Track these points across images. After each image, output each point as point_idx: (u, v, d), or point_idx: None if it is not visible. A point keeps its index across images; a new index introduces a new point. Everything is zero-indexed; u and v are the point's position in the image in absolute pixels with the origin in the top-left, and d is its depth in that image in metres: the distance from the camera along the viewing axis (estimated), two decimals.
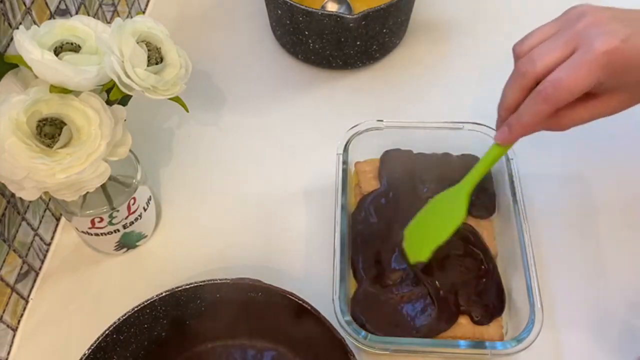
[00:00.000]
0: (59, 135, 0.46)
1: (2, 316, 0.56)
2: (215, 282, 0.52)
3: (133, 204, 0.58)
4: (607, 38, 0.44)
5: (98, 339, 0.49)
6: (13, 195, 0.55)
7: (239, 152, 0.71)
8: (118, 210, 0.57)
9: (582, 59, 0.45)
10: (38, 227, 0.61)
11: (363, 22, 0.70)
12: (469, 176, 0.55)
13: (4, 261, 0.56)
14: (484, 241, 0.59)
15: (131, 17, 0.52)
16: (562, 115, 0.49)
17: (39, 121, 0.46)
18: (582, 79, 0.45)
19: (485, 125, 0.63)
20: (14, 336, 0.58)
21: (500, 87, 0.78)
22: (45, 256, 0.63)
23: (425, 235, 0.56)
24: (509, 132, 0.51)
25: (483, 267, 0.57)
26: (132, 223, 0.60)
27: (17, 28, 0.48)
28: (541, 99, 0.47)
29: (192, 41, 0.79)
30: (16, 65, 0.49)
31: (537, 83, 0.48)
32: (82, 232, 0.59)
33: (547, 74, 0.47)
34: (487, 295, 0.56)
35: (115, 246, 0.62)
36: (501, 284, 0.57)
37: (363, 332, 0.52)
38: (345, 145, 0.63)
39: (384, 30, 0.73)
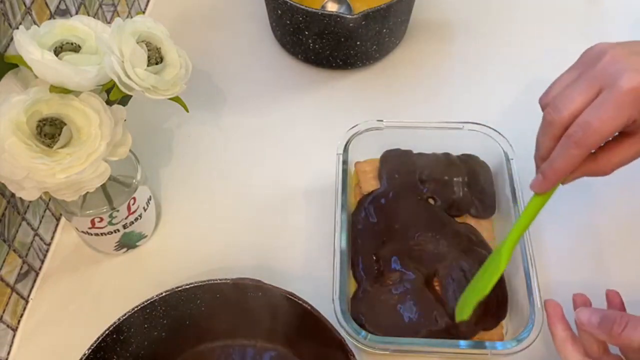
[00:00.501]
0: (59, 135, 0.46)
1: (2, 316, 0.56)
2: (215, 282, 0.52)
3: (133, 204, 0.58)
4: (631, 74, 0.44)
5: (98, 339, 0.49)
6: (13, 195, 0.55)
7: (239, 152, 0.71)
8: (118, 210, 0.57)
9: (608, 98, 0.44)
10: (38, 227, 0.61)
11: (363, 22, 0.70)
12: (511, 233, 0.52)
13: (4, 261, 0.56)
14: (485, 241, 0.59)
15: (131, 17, 0.52)
16: (600, 158, 0.48)
17: (39, 121, 0.46)
18: (612, 120, 0.44)
19: (485, 125, 0.63)
20: (14, 336, 0.58)
21: (500, 87, 0.78)
22: (45, 256, 0.63)
23: (470, 294, 0.54)
24: (543, 179, 0.50)
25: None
26: (132, 223, 0.60)
27: (17, 28, 0.48)
28: (572, 144, 0.46)
29: (192, 41, 0.79)
30: (16, 65, 0.49)
31: (566, 129, 0.47)
32: (82, 232, 0.59)
33: (573, 120, 0.46)
34: (490, 298, 0.56)
35: (115, 246, 0.62)
36: (505, 288, 0.57)
37: (363, 332, 0.52)
38: (345, 145, 0.63)
39: (384, 30, 0.73)
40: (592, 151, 0.47)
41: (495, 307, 0.55)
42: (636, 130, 0.47)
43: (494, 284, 0.51)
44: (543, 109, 0.50)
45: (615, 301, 0.52)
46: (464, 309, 0.52)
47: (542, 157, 0.50)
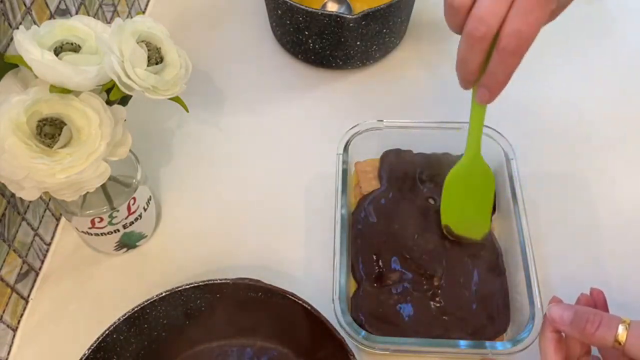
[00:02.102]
0: (59, 135, 0.46)
1: (2, 316, 0.56)
2: (215, 282, 0.52)
3: (133, 204, 0.58)
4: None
5: (98, 339, 0.49)
6: (13, 195, 0.55)
7: (239, 152, 0.71)
8: (118, 210, 0.57)
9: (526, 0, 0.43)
10: (38, 227, 0.61)
11: (363, 22, 0.70)
12: (471, 141, 0.55)
13: (4, 261, 0.56)
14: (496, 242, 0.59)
15: (131, 17, 0.52)
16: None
17: (39, 121, 0.46)
18: (539, 19, 0.44)
19: (485, 125, 0.63)
20: (14, 336, 0.58)
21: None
22: (45, 256, 0.63)
23: (472, 211, 0.57)
24: (489, 92, 0.50)
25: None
26: (132, 223, 0.60)
27: (17, 28, 0.48)
28: (509, 54, 0.45)
29: (192, 41, 0.79)
30: (16, 65, 0.49)
31: (493, 41, 0.46)
32: (82, 232, 0.59)
33: (498, 30, 0.45)
34: (492, 302, 0.56)
35: (115, 246, 0.62)
36: (507, 297, 0.57)
37: (363, 332, 0.52)
38: (345, 145, 0.63)
39: (384, 30, 0.73)
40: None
41: (497, 318, 0.55)
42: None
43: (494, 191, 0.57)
44: (458, 27, 0.47)
45: (599, 299, 0.50)
46: (481, 226, 0.57)
47: (471, 71, 0.48)
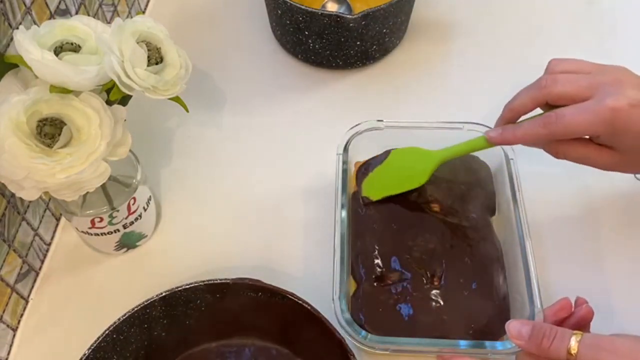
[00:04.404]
0: (59, 135, 0.46)
1: (2, 316, 0.56)
2: (215, 282, 0.52)
3: (133, 204, 0.58)
4: (618, 97, 0.48)
5: (98, 339, 0.49)
6: (13, 195, 0.55)
7: (239, 152, 0.71)
8: (118, 210, 0.57)
9: (590, 107, 0.49)
10: (38, 227, 0.61)
11: (363, 22, 0.70)
12: (446, 150, 0.58)
13: (4, 261, 0.56)
14: (485, 241, 0.59)
15: (131, 17, 0.52)
16: (560, 144, 0.53)
17: (39, 121, 0.46)
18: (582, 125, 0.49)
19: (485, 126, 0.63)
20: (14, 336, 0.58)
21: (499, 87, 0.78)
22: (45, 256, 0.63)
23: (384, 178, 0.60)
24: (500, 135, 0.55)
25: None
26: (132, 223, 0.60)
27: (17, 28, 0.48)
28: (542, 123, 0.51)
29: (192, 41, 0.79)
30: (16, 65, 0.49)
31: (547, 103, 0.52)
32: (82, 232, 0.59)
33: (558, 100, 0.51)
34: (492, 302, 0.56)
35: (115, 246, 0.62)
36: (507, 297, 0.57)
37: (363, 332, 0.52)
38: (345, 145, 0.63)
39: (384, 30, 0.73)
40: None
41: (497, 318, 0.55)
42: (599, 143, 0.52)
43: (409, 190, 0.59)
44: (547, 71, 0.55)
45: (585, 308, 0.51)
46: (375, 192, 0.60)
47: (511, 108, 0.55)
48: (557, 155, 0.54)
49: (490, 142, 0.55)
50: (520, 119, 0.55)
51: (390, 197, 0.61)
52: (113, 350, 0.51)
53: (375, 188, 0.61)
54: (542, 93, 0.52)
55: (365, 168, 0.62)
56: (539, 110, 0.55)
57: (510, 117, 0.55)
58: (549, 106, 0.53)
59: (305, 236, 0.64)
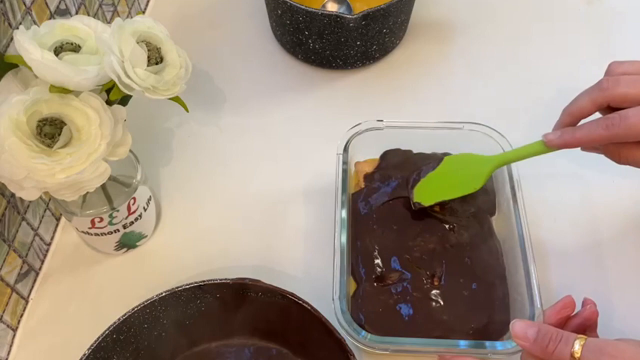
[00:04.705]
0: (59, 135, 0.46)
1: (2, 316, 0.56)
2: (215, 282, 0.52)
3: (133, 204, 0.58)
4: None
5: (98, 339, 0.49)
6: (13, 195, 0.55)
7: (239, 152, 0.71)
8: (118, 210, 0.57)
9: None
10: (38, 227, 0.61)
11: (363, 22, 0.70)
12: (503, 155, 0.58)
13: (4, 261, 0.56)
14: (486, 241, 0.59)
15: (131, 17, 0.52)
16: (623, 148, 0.51)
17: (39, 121, 0.46)
18: None
19: (485, 125, 0.63)
20: (14, 336, 0.58)
21: (499, 87, 0.78)
22: (45, 256, 0.63)
23: (437, 184, 0.59)
24: (559, 137, 0.52)
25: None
26: (132, 223, 0.60)
27: (17, 28, 0.48)
28: (604, 125, 0.49)
29: (192, 41, 0.79)
30: (16, 65, 0.49)
31: (608, 105, 0.50)
32: (82, 232, 0.59)
33: (621, 102, 0.49)
34: (492, 302, 0.56)
35: (115, 246, 0.62)
36: (507, 297, 0.57)
37: (363, 332, 0.52)
38: (345, 145, 0.63)
39: (384, 30, 0.73)
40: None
41: (497, 318, 0.55)
42: None
43: (464, 195, 0.58)
44: (607, 73, 0.52)
45: (590, 308, 0.50)
46: (427, 197, 0.59)
47: (569, 112, 0.52)
48: (619, 160, 0.51)
49: (548, 146, 0.53)
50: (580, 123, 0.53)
51: (390, 197, 0.62)
52: (113, 350, 0.51)
53: (428, 193, 0.59)
54: (604, 95, 0.50)
55: (417, 174, 0.60)
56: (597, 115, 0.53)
57: (569, 121, 0.53)
58: (609, 109, 0.51)
59: (305, 236, 0.64)
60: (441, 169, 0.60)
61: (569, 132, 0.51)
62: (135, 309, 0.51)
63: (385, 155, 0.65)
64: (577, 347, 0.44)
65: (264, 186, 0.68)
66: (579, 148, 0.54)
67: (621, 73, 0.51)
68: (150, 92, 0.49)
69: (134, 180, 0.58)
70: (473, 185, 0.58)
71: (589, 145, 0.53)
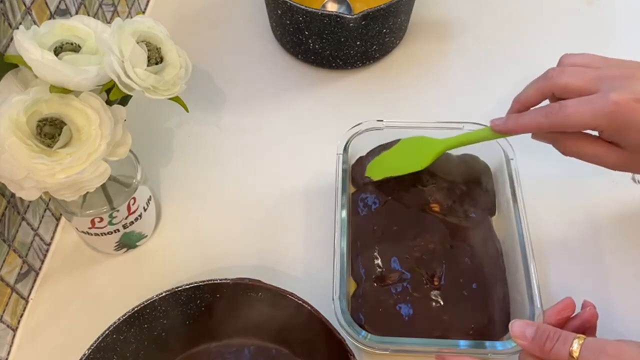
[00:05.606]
0: (59, 135, 0.46)
1: (2, 316, 0.56)
2: (215, 282, 0.52)
3: (133, 204, 0.58)
4: (623, 91, 0.47)
5: (98, 339, 0.49)
6: (13, 195, 0.55)
7: (239, 152, 0.71)
8: (118, 210, 0.57)
9: (593, 99, 0.48)
10: (38, 227, 0.61)
11: (363, 22, 0.70)
12: (453, 138, 0.59)
13: (4, 261, 0.56)
14: (486, 241, 0.59)
15: (131, 17, 0.52)
16: (567, 139, 0.52)
17: (39, 121, 0.46)
18: (584, 116, 0.48)
19: (485, 125, 0.63)
20: (14, 336, 0.58)
21: (499, 87, 0.78)
22: (45, 256, 0.63)
23: (388, 162, 0.62)
24: (503, 123, 0.54)
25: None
26: (132, 223, 0.60)
27: (17, 28, 0.48)
28: (544, 112, 0.51)
29: (192, 41, 0.79)
30: (16, 65, 0.49)
31: (553, 94, 0.52)
32: (82, 232, 0.59)
33: (563, 92, 0.50)
34: (492, 302, 0.56)
35: (115, 246, 0.62)
36: (507, 297, 0.57)
37: (363, 332, 0.52)
38: (345, 145, 0.63)
39: (384, 30, 0.73)
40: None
41: (497, 318, 0.55)
42: (608, 141, 0.51)
43: (410, 172, 0.60)
44: (558, 64, 0.54)
45: (589, 310, 0.51)
46: (376, 172, 0.62)
47: (518, 100, 0.55)
48: (565, 151, 0.53)
49: (494, 131, 0.55)
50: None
51: (390, 197, 0.62)
52: (113, 350, 0.51)
53: (378, 169, 0.62)
54: (548, 84, 0.52)
55: (372, 152, 0.63)
56: None
57: (517, 108, 0.55)
58: (555, 99, 0.53)
59: (305, 236, 0.64)
60: (395, 149, 0.63)
61: (513, 118, 0.53)
62: (135, 309, 0.51)
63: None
64: (576, 346, 0.44)
65: (264, 186, 0.68)
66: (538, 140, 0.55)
67: (570, 64, 0.52)
68: (150, 92, 0.49)
69: (134, 180, 0.58)
70: (420, 164, 0.60)
71: (532, 132, 0.54)
